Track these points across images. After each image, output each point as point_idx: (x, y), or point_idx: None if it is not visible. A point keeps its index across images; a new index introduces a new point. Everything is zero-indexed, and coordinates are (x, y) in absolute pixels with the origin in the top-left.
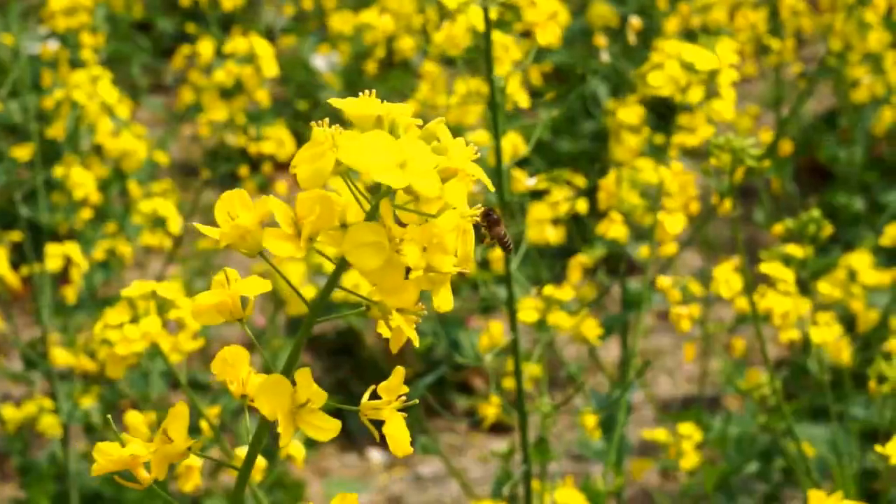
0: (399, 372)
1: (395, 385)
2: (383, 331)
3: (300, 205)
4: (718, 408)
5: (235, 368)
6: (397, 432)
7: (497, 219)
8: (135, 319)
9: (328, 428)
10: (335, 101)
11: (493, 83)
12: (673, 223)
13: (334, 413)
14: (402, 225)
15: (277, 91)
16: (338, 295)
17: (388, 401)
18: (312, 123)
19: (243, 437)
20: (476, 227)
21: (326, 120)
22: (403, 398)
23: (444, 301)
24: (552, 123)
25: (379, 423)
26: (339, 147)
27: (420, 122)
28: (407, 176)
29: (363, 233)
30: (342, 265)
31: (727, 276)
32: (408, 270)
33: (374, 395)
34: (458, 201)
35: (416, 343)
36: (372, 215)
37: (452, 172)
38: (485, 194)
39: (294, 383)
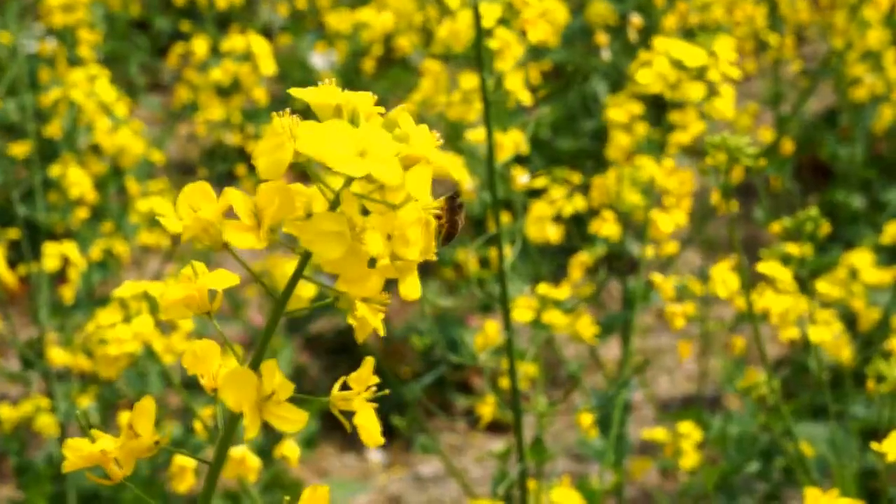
0: (369, 362)
1: (364, 375)
2: (352, 321)
3: (260, 196)
4: (718, 407)
5: (206, 363)
6: (367, 423)
7: (458, 206)
8: (127, 320)
9: (295, 419)
10: (296, 91)
11: (484, 79)
12: (666, 221)
13: (325, 414)
14: (367, 215)
15: (275, 89)
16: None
17: (357, 391)
18: (273, 114)
19: (238, 438)
20: (440, 209)
21: (287, 110)
22: (374, 388)
23: (411, 289)
24: (552, 121)
25: (350, 415)
26: (296, 137)
27: (382, 109)
28: (366, 164)
29: (324, 222)
30: (307, 255)
31: (724, 276)
32: (372, 259)
33: (346, 386)
34: (420, 192)
35: (382, 332)
36: (335, 206)
37: (414, 160)
38: (480, 192)
39: (260, 375)
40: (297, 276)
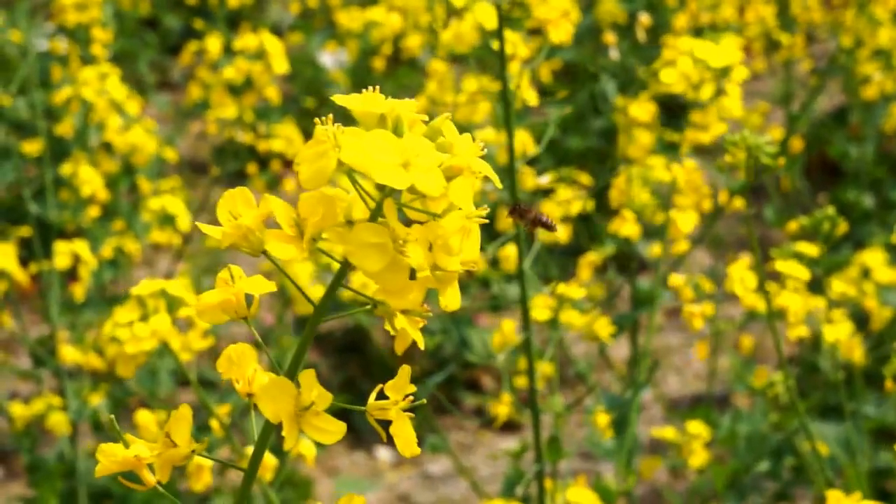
0: (405, 371)
1: (401, 384)
2: (390, 329)
3: (303, 205)
4: (727, 406)
5: (241, 367)
6: (404, 432)
7: (525, 208)
8: (144, 318)
9: (333, 430)
10: (339, 98)
11: (505, 80)
12: (685, 221)
13: (341, 413)
14: (409, 223)
15: (285, 88)
16: (347, 292)
17: (394, 400)
18: (316, 120)
19: (252, 436)
20: (516, 224)
21: (330, 117)
22: (410, 398)
23: (452, 300)
24: (561, 120)
25: (386, 423)
26: (341, 146)
27: (426, 117)
28: (410, 176)
29: (366, 233)
30: (347, 265)
31: (742, 274)
32: (413, 270)
33: (381, 395)
34: (463, 201)
35: (422, 345)
36: (376, 215)
37: (457, 171)
38: (495, 191)
39: (298, 385)
40: (337, 284)
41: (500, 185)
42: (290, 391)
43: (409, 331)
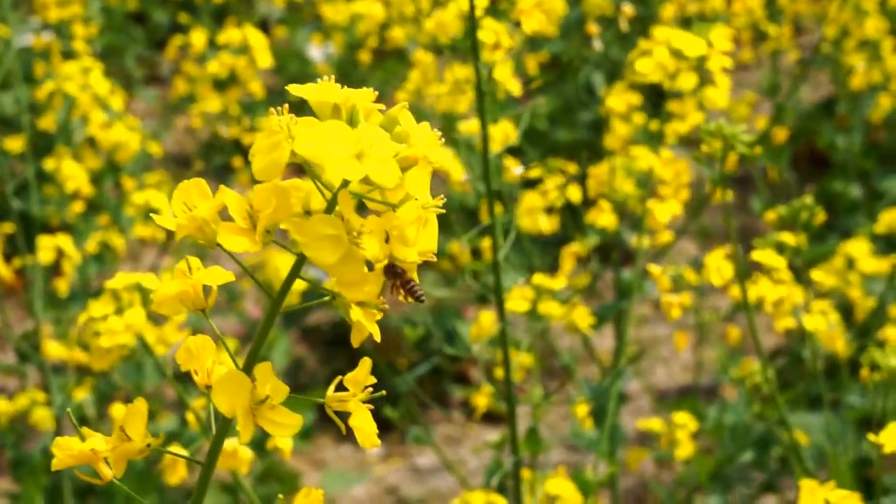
0: (365, 363)
1: (360, 377)
2: (348, 321)
3: (256, 197)
4: (715, 397)
5: (199, 359)
6: (363, 425)
7: (400, 271)
8: (119, 311)
9: (289, 424)
10: (294, 88)
11: (479, 70)
12: (663, 211)
13: (322, 405)
14: (367, 215)
15: (271, 82)
16: (329, 284)
17: (353, 393)
18: (271, 110)
19: (233, 430)
20: (390, 282)
21: (286, 107)
22: (370, 390)
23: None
24: (549, 113)
25: (346, 416)
26: (294, 137)
27: (382, 107)
28: (364, 166)
29: (320, 225)
30: (303, 256)
31: (718, 264)
32: (370, 263)
33: (341, 387)
34: (419, 191)
35: (378, 337)
36: (332, 206)
37: (413, 160)
38: (476, 182)
39: (254, 378)
40: (294, 276)
41: (458, 177)
42: (244, 384)
43: (364, 323)
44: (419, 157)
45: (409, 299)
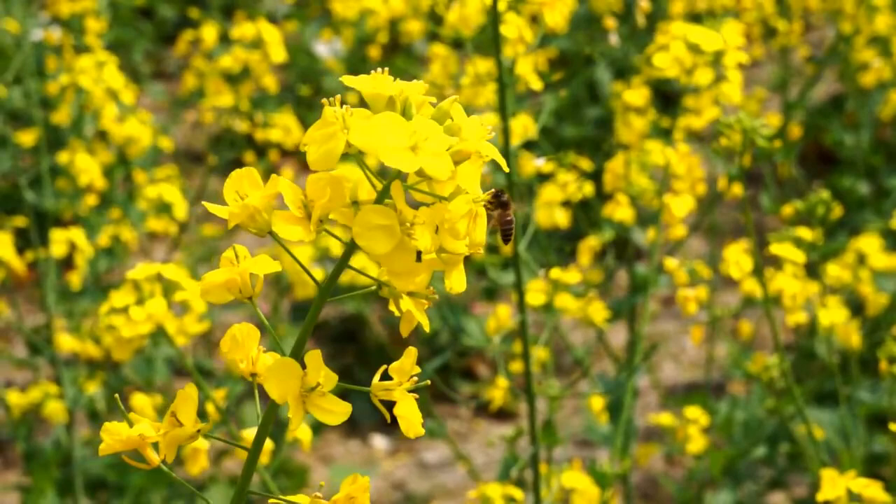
0: (411, 352)
1: (406, 366)
2: (395, 310)
3: (311, 187)
4: (723, 393)
5: (245, 346)
6: (409, 413)
7: (507, 201)
8: (140, 302)
9: (339, 411)
10: (348, 79)
11: (501, 64)
12: (680, 205)
13: (342, 396)
14: (414, 205)
15: (280, 77)
16: (344, 278)
17: (399, 381)
18: (323, 101)
19: (248, 423)
20: (488, 210)
21: (338, 98)
22: (415, 379)
23: (458, 282)
24: (557, 109)
25: (390, 405)
26: (349, 128)
27: (433, 99)
28: (419, 159)
29: (374, 216)
30: (352, 246)
31: (737, 258)
32: (419, 253)
33: (385, 377)
34: (470, 185)
35: (427, 327)
36: (382, 197)
37: (465, 155)
38: (493, 175)
39: (304, 366)
40: (342, 265)
41: (507, 170)
42: (296, 372)
43: (414, 312)
44: (471, 151)
45: (505, 230)
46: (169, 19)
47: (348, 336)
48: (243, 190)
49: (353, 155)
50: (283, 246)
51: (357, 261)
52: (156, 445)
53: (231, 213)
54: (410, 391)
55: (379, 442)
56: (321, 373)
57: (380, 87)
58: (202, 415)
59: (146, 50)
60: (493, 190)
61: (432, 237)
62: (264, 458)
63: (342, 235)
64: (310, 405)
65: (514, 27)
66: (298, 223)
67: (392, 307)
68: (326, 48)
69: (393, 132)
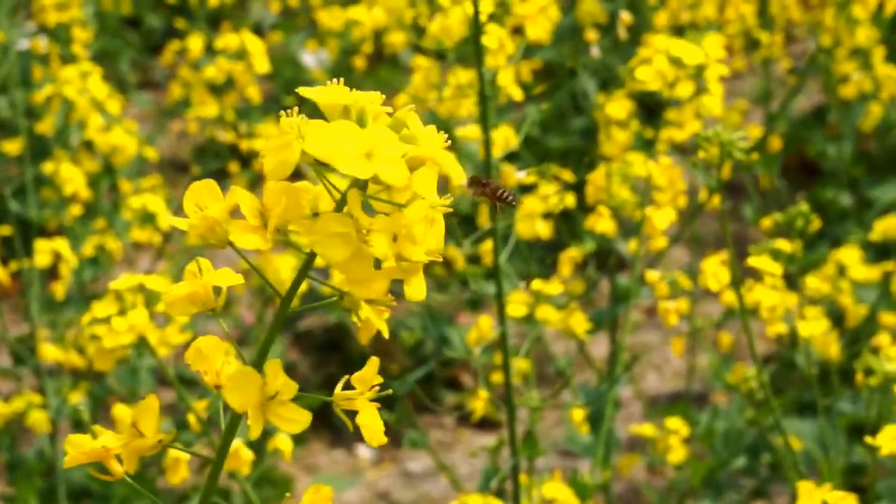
0: (373, 362)
1: (368, 375)
2: (356, 319)
3: (267, 196)
4: (706, 403)
5: (210, 359)
6: (371, 422)
7: (486, 181)
8: (122, 312)
9: (299, 419)
10: (305, 90)
11: (483, 75)
12: (661, 218)
13: (320, 410)
14: (374, 216)
15: (266, 87)
16: (328, 288)
17: (361, 391)
18: (281, 112)
19: (237, 429)
20: (475, 197)
21: (296, 109)
22: (377, 388)
23: (417, 290)
24: (541, 119)
25: (353, 414)
26: (304, 137)
27: (390, 109)
28: (373, 165)
29: (330, 223)
30: (312, 255)
31: (715, 270)
32: (378, 261)
33: (349, 386)
34: (426, 190)
35: (386, 334)
36: (341, 206)
37: (421, 161)
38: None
39: (264, 374)
40: (302, 276)
41: (460, 179)
42: (255, 380)
43: (373, 320)
44: (427, 157)
45: (501, 205)
46: (156, 29)
47: (332, 345)
48: (203, 202)
49: (312, 165)
50: (244, 257)
51: (337, 274)
52: (121, 457)
53: (191, 226)
54: (374, 400)
55: (364, 451)
56: (279, 381)
57: (335, 97)
58: (184, 425)
59: (133, 59)
60: (468, 178)
61: (389, 244)
62: (244, 469)
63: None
64: (270, 414)
65: (495, 38)
66: (255, 232)
67: (353, 317)
68: (312, 58)
69: (347, 140)
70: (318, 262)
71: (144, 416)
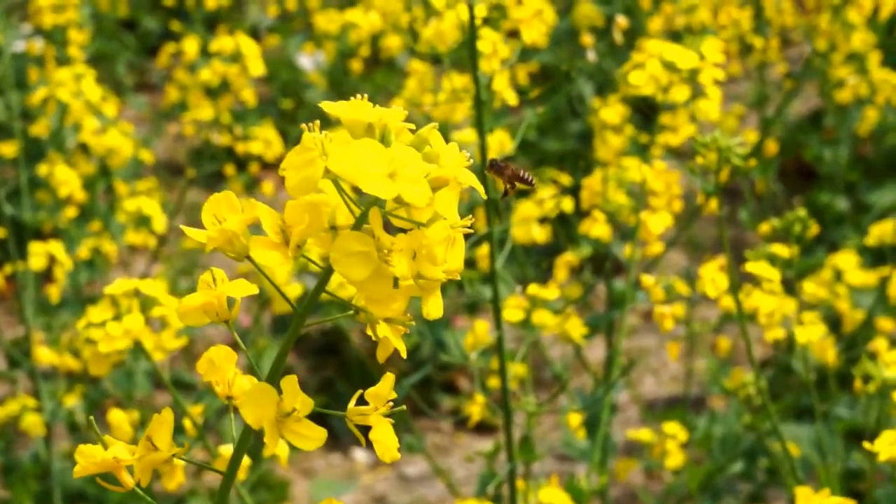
0: (388, 378)
1: (383, 391)
2: (372, 335)
3: (289, 212)
4: (703, 408)
5: (222, 369)
6: (385, 438)
7: (503, 165)
8: (118, 317)
9: (314, 437)
10: (328, 105)
11: (478, 80)
12: (656, 222)
13: (318, 413)
14: (392, 230)
15: (262, 90)
16: (325, 295)
17: (374, 406)
18: (302, 126)
19: (228, 436)
20: (491, 178)
21: (317, 123)
22: (390, 404)
23: (434, 308)
24: (538, 123)
25: (366, 429)
26: (328, 154)
27: (413, 126)
28: (397, 186)
29: (351, 242)
30: (329, 271)
31: (713, 275)
32: (396, 279)
33: (361, 400)
34: (448, 211)
35: (404, 353)
36: (360, 223)
37: (444, 181)
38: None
39: (280, 390)
40: (320, 290)
41: (485, 196)
42: (272, 397)
43: (391, 339)
44: (450, 178)
45: (521, 186)
46: (152, 31)
47: (329, 349)
48: (221, 214)
49: (332, 181)
50: (261, 270)
51: (334, 280)
52: (131, 467)
53: (209, 238)
54: (386, 416)
55: (360, 455)
56: (297, 399)
57: (359, 114)
58: (180, 430)
59: (129, 62)
60: (489, 161)
61: (409, 264)
62: (241, 474)
63: (318, 258)
64: (285, 430)
65: (489, 42)
66: (276, 249)
67: (369, 332)
68: (309, 61)
69: (371, 159)
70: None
71: (159, 430)
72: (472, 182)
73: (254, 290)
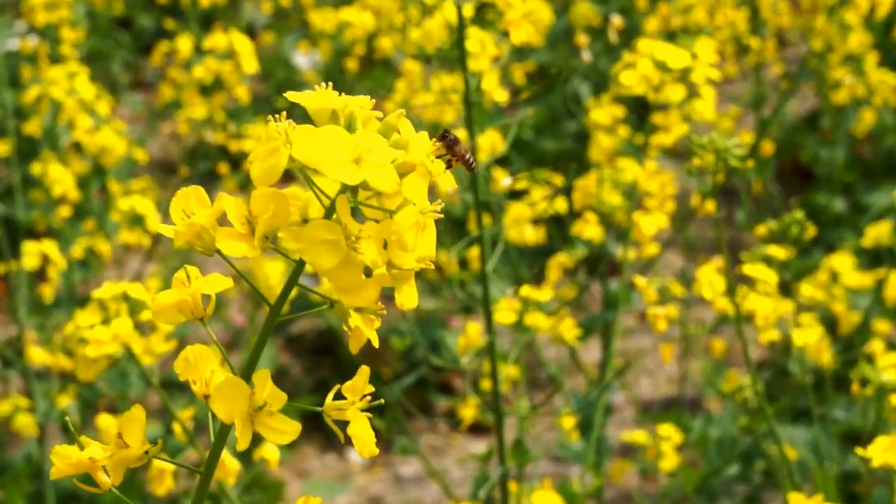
0: (364, 371)
1: (359, 385)
2: (346, 328)
3: (254, 203)
4: (699, 409)
5: (198, 368)
6: (362, 433)
7: (455, 139)
8: (106, 321)
9: (287, 431)
10: (292, 95)
11: (467, 79)
12: (649, 223)
13: (311, 415)
14: (365, 222)
15: (257, 88)
16: (313, 296)
17: (352, 401)
18: (268, 117)
19: (226, 439)
20: (438, 151)
21: (283, 114)
22: (368, 398)
23: (408, 298)
24: (535, 123)
25: (344, 424)
26: (292, 142)
27: (380, 114)
28: (362, 171)
29: (319, 231)
30: (302, 263)
31: (710, 278)
32: (368, 268)
33: (340, 395)
34: (417, 196)
35: (376, 343)
36: (330, 212)
37: (411, 167)
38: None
39: (252, 385)
40: (292, 283)
41: (454, 185)
42: (243, 391)
43: (363, 329)
44: (417, 162)
45: (458, 166)
46: (147, 29)
47: (324, 349)
48: (190, 208)
49: (301, 171)
50: (231, 264)
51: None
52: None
53: (177, 233)
54: (366, 410)
55: (355, 456)
56: (267, 391)
57: (323, 102)
58: (169, 432)
59: (124, 60)
60: (442, 130)
61: (379, 251)
62: (230, 479)
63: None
64: (258, 425)
65: (477, 42)
66: (242, 239)
67: (343, 325)
68: (305, 60)
69: (335, 145)
70: (309, 268)
71: (130, 427)
72: (437, 169)
73: (228, 283)
